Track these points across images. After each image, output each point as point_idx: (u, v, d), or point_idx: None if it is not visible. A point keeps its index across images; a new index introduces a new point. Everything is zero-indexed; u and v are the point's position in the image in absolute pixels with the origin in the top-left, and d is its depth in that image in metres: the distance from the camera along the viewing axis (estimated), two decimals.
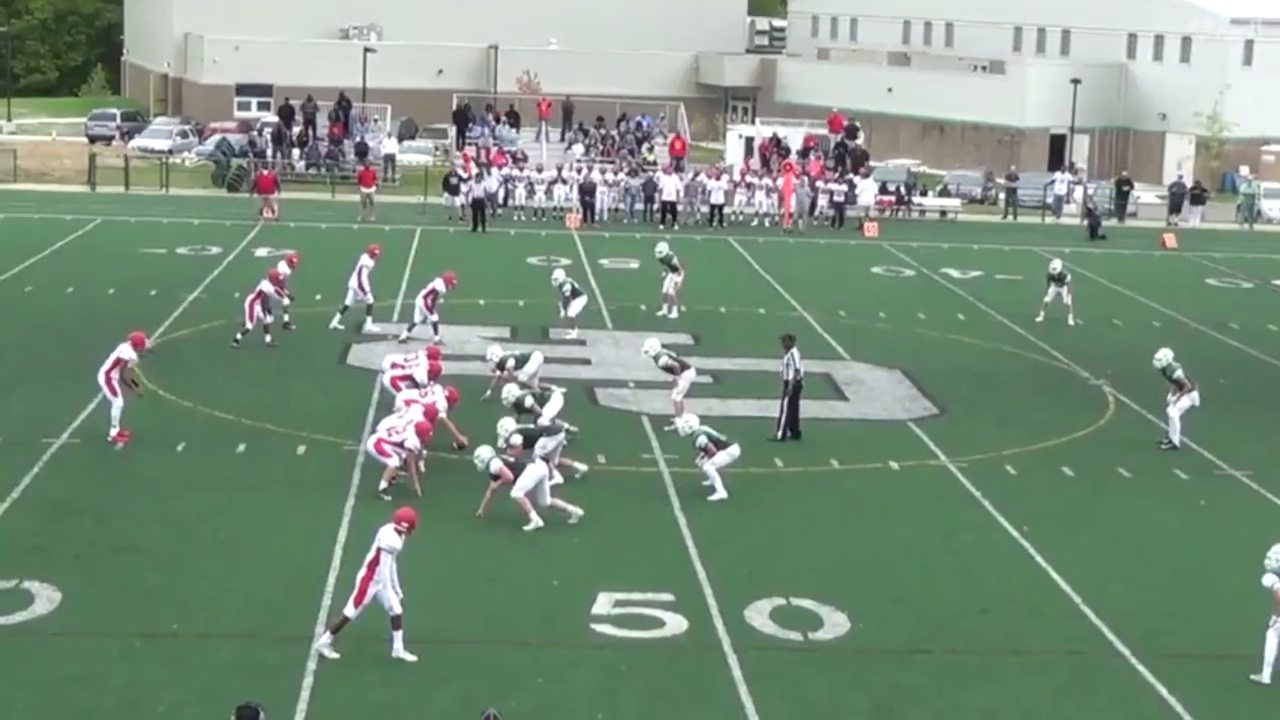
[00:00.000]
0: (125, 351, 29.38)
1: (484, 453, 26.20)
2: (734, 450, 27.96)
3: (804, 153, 69.07)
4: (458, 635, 21.46)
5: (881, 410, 34.35)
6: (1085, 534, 26.78)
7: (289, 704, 19.01)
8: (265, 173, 62.30)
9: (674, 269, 43.03)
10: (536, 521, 25.52)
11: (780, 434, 31.38)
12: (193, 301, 42.45)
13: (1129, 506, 28.48)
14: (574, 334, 39.87)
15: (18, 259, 47.71)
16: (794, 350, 31.82)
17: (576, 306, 40.08)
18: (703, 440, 27.73)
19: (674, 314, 42.69)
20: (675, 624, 22.13)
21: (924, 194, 69.97)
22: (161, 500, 26.25)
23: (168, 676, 19.72)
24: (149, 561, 23.59)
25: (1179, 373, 31.94)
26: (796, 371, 31.63)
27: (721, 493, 27.45)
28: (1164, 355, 32.33)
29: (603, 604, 22.56)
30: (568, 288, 39.93)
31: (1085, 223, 64.18)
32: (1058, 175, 72.57)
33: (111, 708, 18.85)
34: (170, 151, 75.27)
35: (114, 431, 29.07)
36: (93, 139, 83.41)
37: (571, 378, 35.67)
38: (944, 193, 71.92)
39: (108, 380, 29.10)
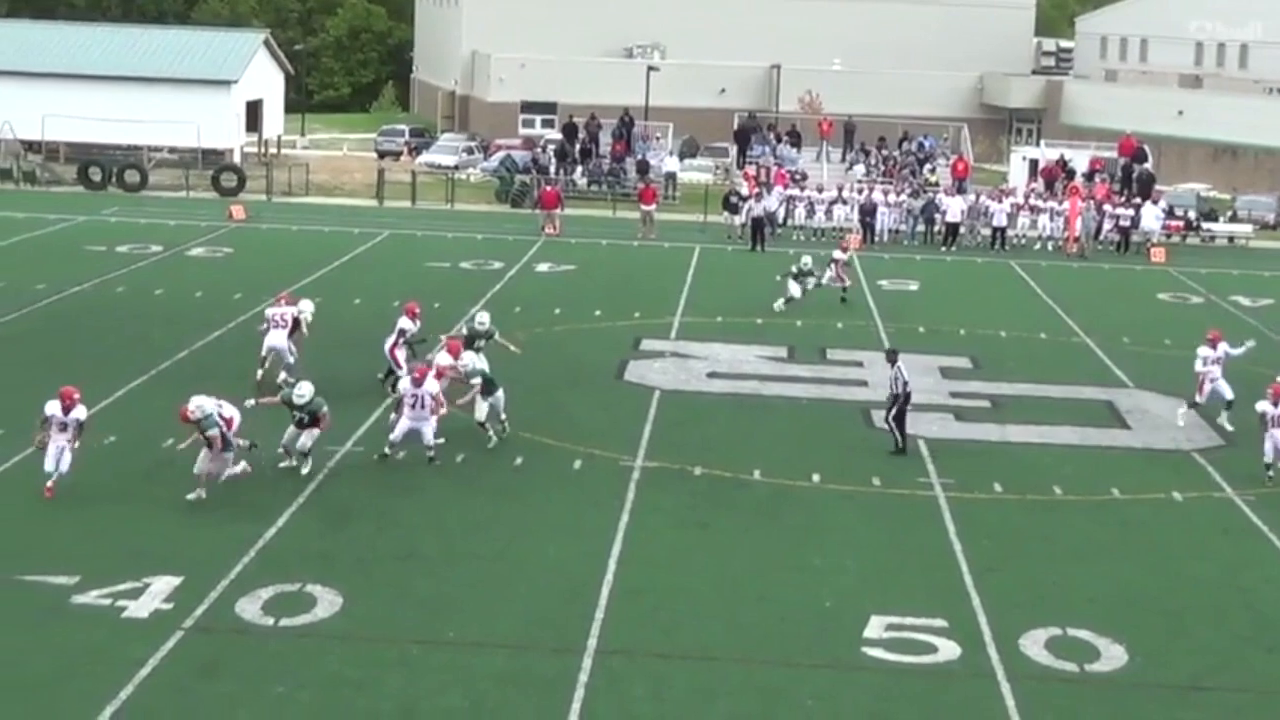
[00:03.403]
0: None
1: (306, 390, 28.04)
2: None
3: (1089, 176, 67.99)
4: (727, 653, 21.44)
5: (1166, 440, 33.55)
6: None
7: (560, 716, 19.15)
8: (549, 189, 63.09)
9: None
10: (200, 493, 26.45)
11: (897, 446, 31.23)
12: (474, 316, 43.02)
13: None
14: (780, 305, 43.31)
15: (309, 270, 48.99)
16: (899, 364, 31.60)
17: (794, 289, 42.98)
18: None
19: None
20: (948, 650, 21.85)
21: (1214, 219, 68.34)
22: (439, 509, 26.66)
23: (442, 683, 20.00)
24: (426, 569, 23.97)
25: None
26: (905, 384, 31.37)
27: None
28: None
29: (874, 627, 22.38)
30: (807, 264, 43.51)
31: None
32: None
33: (388, 712, 19.16)
34: (456, 167, 76.71)
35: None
36: (381, 154, 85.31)
37: (847, 399, 35.57)
38: (1234, 218, 70.16)
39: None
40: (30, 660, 20.21)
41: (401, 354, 33.83)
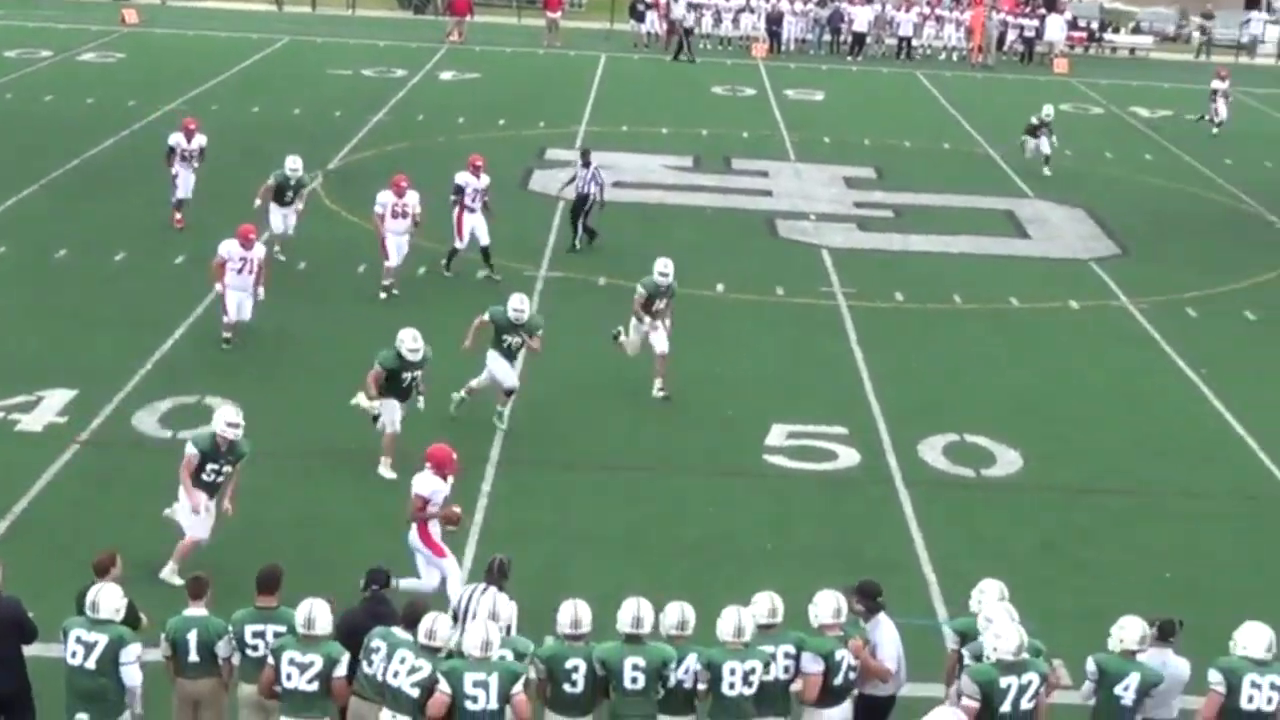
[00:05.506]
0: None
1: None
2: None
3: None
4: (629, 462, 21.60)
5: (1063, 249, 33.85)
6: (1266, 379, 26.29)
7: (462, 526, 19.13)
8: None
9: None
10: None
11: (576, 243, 31.55)
12: (376, 124, 42.66)
13: None
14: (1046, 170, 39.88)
15: (205, 77, 48.21)
16: (594, 166, 31.67)
17: (1044, 145, 40.15)
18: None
19: None
20: (848, 457, 22.12)
21: (1115, 31, 68.38)
22: (336, 319, 26.37)
23: (343, 493, 20.14)
24: (325, 380, 23.70)
25: None
26: (601, 186, 31.57)
27: None
28: None
29: (776, 435, 22.59)
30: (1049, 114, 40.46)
31: None
32: (1253, 14, 70.51)
33: (289, 520, 19.25)
34: None
35: None
36: None
37: (752, 209, 35.62)
38: (1136, 30, 70.22)
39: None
40: None
41: (467, 219, 29.12)
